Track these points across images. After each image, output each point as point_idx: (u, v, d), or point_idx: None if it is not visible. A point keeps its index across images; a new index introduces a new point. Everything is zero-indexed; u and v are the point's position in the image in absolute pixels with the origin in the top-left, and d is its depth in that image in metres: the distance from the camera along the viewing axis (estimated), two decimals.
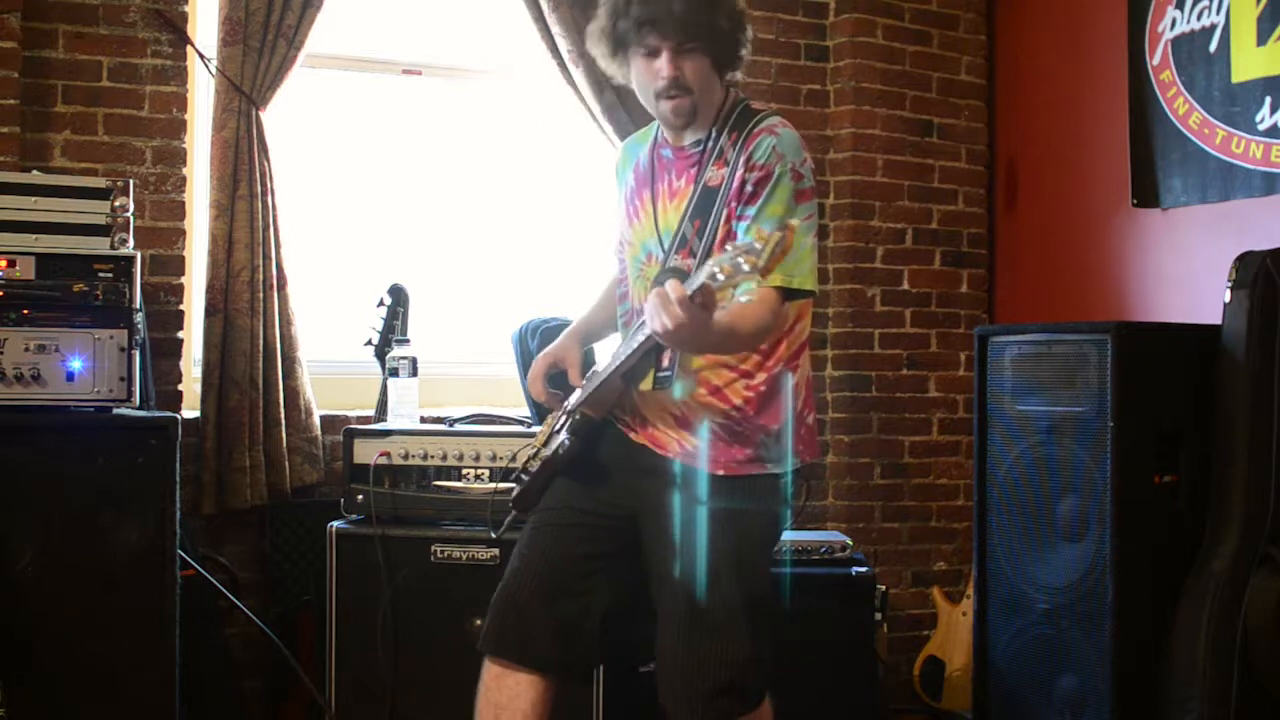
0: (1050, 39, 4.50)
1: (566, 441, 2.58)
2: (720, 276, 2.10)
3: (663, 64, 2.47)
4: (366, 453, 3.37)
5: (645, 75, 2.52)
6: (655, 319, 2.18)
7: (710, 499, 2.50)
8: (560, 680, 2.56)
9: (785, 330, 2.55)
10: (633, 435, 2.60)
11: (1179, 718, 3.08)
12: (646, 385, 2.55)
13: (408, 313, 3.62)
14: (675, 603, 2.48)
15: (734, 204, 2.46)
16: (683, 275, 2.30)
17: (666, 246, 2.54)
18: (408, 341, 3.56)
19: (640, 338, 2.41)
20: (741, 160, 2.45)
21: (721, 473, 2.51)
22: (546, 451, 2.64)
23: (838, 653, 3.58)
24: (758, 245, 2.05)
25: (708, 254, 2.45)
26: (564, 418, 2.66)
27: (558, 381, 2.73)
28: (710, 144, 2.54)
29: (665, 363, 2.48)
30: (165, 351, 3.65)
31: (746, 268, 2.06)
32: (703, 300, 2.15)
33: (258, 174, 3.68)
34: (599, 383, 2.56)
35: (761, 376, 2.53)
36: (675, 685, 2.47)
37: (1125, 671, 3.13)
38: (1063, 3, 4.46)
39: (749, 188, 2.45)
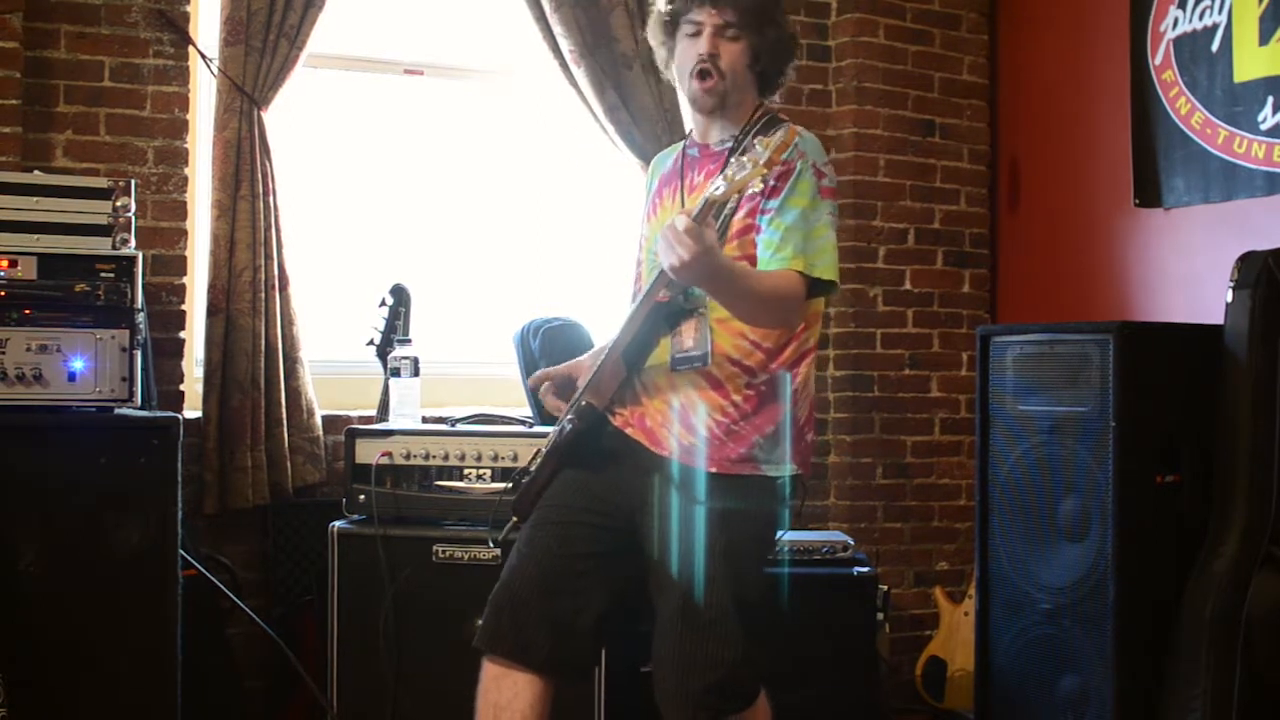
0: (1052, 39, 4.50)
1: (569, 426, 2.59)
2: (723, 185, 2.27)
3: (703, 40, 2.58)
4: (368, 453, 3.37)
5: (686, 55, 2.62)
6: (668, 254, 2.27)
7: (704, 498, 2.50)
8: (556, 679, 2.56)
9: (794, 333, 2.57)
10: (629, 430, 2.60)
11: (1181, 718, 3.07)
12: (652, 367, 2.57)
13: (409, 313, 3.62)
14: (668, 601, 2.49)
15: (757, 199, 2.51)
16: None
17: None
18: (409, 341, 3.56)
19: (635, 307, 2.50)
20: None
21: (715, 470, 2.52)
22: (549, 444, 2.65)
23: (840, 652, 3.58)
24: (759, 149, 2.23)
25: (722, 231, 2.51)
26: (567, 412, 2.66)
27: (565, 392, 2.74)
28: (735, 144, 2.61)
29: (690, 343, 2.51)
30: (167, 351, 3.65)
31: (749, 165, 2.23)
32: (707, 218, 2.27)
33: (259, 174, 3.68)
34: (601, 363, 2.59)
35: (764, 376, 2.55)
36: (667, 684, 2.48)
37: (1127, 671, 3.13)
38: (1065, 2, 4.45)
39: (771, 182, 2.49)
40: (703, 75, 2.58)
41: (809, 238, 2.48)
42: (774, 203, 2.49)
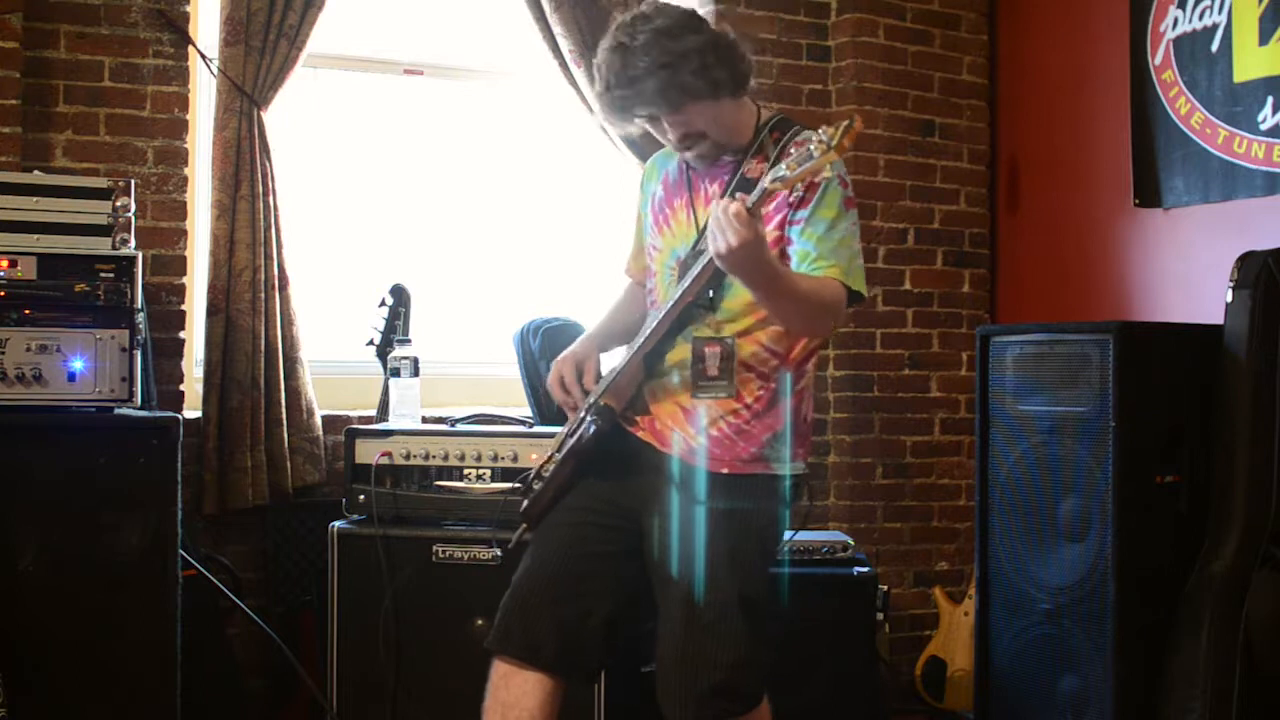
0: (1052, 39, 4.50)
1: (591, 426, 2.57)
2: (786, 173, 2.20)
3: (665, 129, 2.53)
4: (368, 453, 3.37)
5: (657, 135, 2.58)
6: (717, 237, 2.22)
7: (712, 498, 2.50)
8: (566, 679, 2.56)
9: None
10: (640, 433, 2.60)
11: (1181, 718, 3.07)
12: (663, 371, 2.56)
13: (409, 313, 3.62)
14: (673, 602, 2.49)
15: (785, 211, 2.48)
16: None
17: (696, 241, 2.56)
18: (409, 341, 3.56)
19: (659, 316, 2.49)
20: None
21: (725, 471, 2.52)
22: (567, 446, 2.63)
23: (839, 653, 3.57)
24: (825, 135, 2.16)
25: None
26: (583, 412, 2.65)
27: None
28: (748, 148, 2.57)
29: (715, 372, 2.51)
30: (167, 351, 3.65)
31: (817, 152, 2.16)
32: (760, 210, 2.23)
33: (259, 174, 3.68)
34: (621, 367, 2.58)
35: (774, 378, 2.55)
36: (670, 684, 2.47)
37: (1127, 672, 3.13)
38: (1065, 3, 4.45)
39: (799, 192, 2.46)
40: (688, 147, 2.55)
41: (839, 248, 2.45)
42: (803, 213, 2.46)
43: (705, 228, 2.46)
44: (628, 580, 2.59)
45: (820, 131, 2.19)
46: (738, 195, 2.30)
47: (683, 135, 2.52)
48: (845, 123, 2.17)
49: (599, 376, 2.67)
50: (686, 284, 2.45)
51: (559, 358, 2.73)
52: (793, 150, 2.22)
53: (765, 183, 2.24)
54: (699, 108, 2.48)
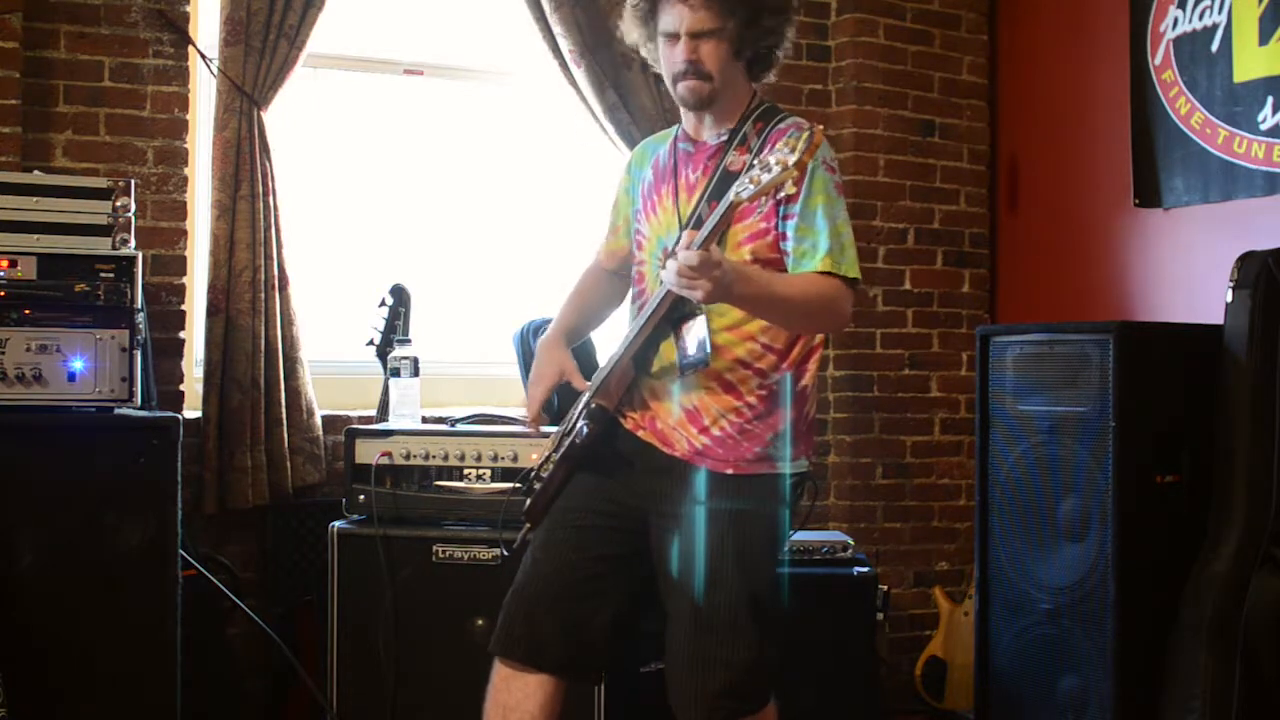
0: (1052, 38, 4.50)
1: (585, 429, 2.58)
2: (750, 186, 2.21)
3: (680, 48, 2.53)
4: (368, 453, 3.37)
5: (666, 60, 2.58)
6: (689, 291, 2.24)
7: (718, 499, 2.50)
8: (570, 681, 2.56)
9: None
10: (641, 433, 2.60)
11: (1181, 718, 3.07)
12: (660, 371, 2.56)
13: (409, 313, 3.62)
14: (682, 604, 2.49)
15: (773, 203, 2.48)
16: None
17: (681, 230, 2.55)
18: (409, 341, 3.56)
19: (646, 314, 2.49)
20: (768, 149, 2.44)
21: (730, 472, 2.52)
22: (562, 448, 2.64)
23: (839, 653, 3.58)
24: (785, 150, 2.18)
25: (721, 237, 2.46)
26: (576, 414, 2.66)
27: (565, 393, 2.72)
28: (732, 137, 2.57)
29: (692, 348, 2.48)
30: (167, 351, 3.65)
31: (777, 168, 2.18)
32: (713, 242, 2.26)
33: (259, 174, 3.68)
34: (609, 368, 2.58)
35: (775, 377, 2.55)
36: (681, 685, 2.47)
37: (1127, 672, 3.13)
38: (1065, 3, 4.46)
39: (789, 189, 2.44)
40: (687, 78, 2.55)
41: (833, 236, 2.45)
42: (795, 207, 2.46)
43: (687, 220, 2.52)
44: (632, 581, 2.59)
45: (782, 146, 2.20)
46: (688, 231, 2.34)
47: (689, 64, 2.52)
48: (806, 134, 2.19)
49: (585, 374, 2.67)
50: (662, 294, 2.45)
51: (530, 380, 2.73)
52: (755, 164, 2.23)
53: (731, 196, 2.26)
54: (717, 47, 2.50)
